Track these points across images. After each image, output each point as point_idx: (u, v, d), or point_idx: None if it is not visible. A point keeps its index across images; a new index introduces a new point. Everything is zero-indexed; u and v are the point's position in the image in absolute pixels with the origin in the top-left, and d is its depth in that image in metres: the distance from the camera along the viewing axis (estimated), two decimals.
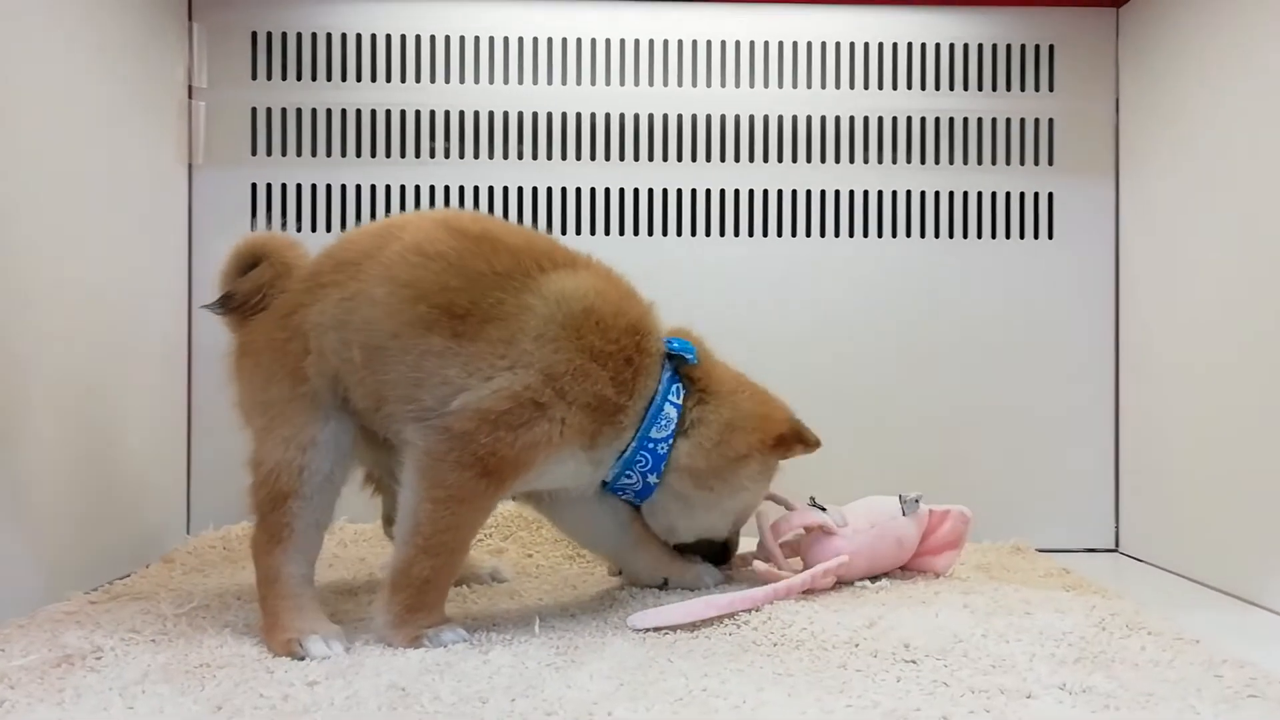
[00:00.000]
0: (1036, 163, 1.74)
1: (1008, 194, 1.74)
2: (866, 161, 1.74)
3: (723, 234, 1.73)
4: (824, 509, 1.30)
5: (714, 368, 1.25)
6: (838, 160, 1.74)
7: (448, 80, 1.71)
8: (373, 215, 1.70)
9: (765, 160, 1.73)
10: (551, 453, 1.09)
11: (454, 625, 1.09)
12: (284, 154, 1.69)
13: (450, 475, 1.05)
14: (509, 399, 1.05)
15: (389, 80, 1.70)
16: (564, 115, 1.72)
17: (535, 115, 1.71)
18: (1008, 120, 1.74)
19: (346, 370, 1.12)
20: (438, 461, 1.05)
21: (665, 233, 1.72)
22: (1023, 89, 1.74)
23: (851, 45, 1.74)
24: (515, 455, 1.06)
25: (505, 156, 1.71)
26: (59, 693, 0.90)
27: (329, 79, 1.70)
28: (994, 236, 1.74)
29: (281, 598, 1.08)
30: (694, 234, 1.72)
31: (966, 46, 1.74)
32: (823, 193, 1.73)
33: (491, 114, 1.71)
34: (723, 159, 1.73)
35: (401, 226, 1.15)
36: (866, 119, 1.74)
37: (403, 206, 1.70)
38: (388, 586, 1.08)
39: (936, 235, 1.74)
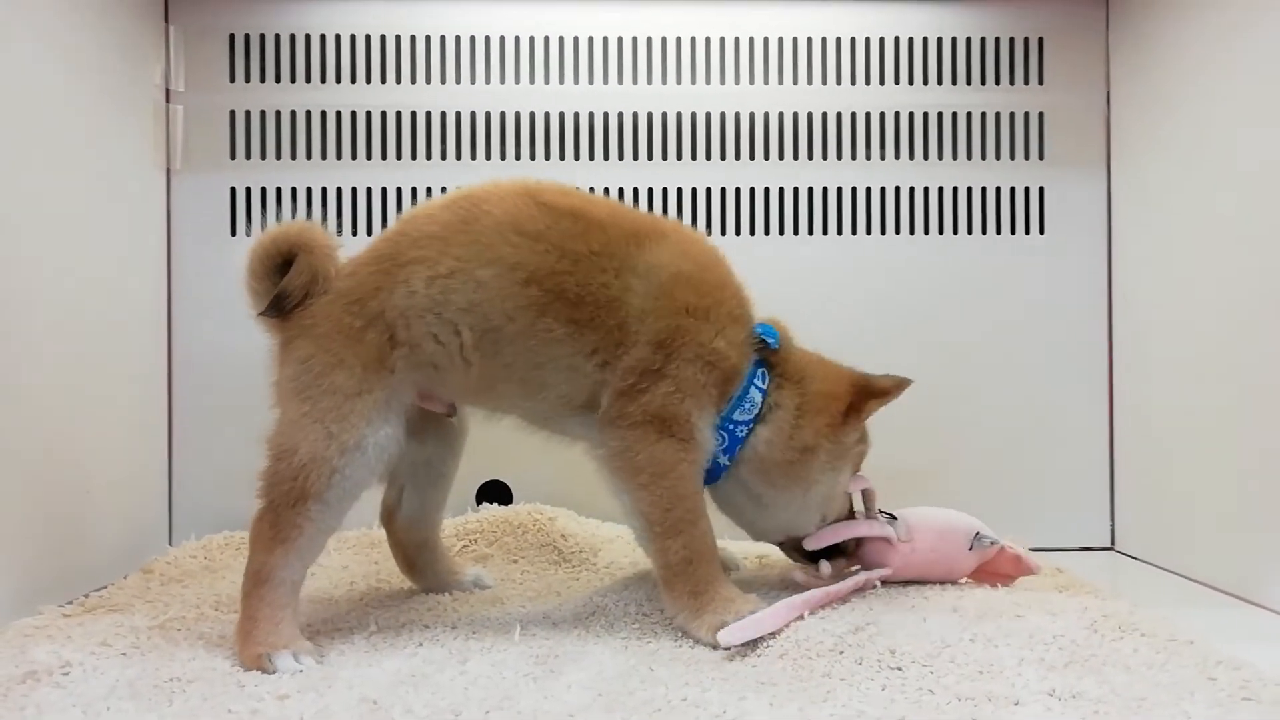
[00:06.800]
0: (1027, 157, 1.72)
1: (998, 189, 1.72)
2: (854, 158, 1.72)
3: (708, 232, 1.70)
4: (893, 516, 1.24)
5: (792, 354, 1.21)
6: (824, 157, 1.71)
7: (428, 80, 1.69)
8: (354, 218, 1.67)
9: (751, 158, 1.71)
10: (690, 404, 1.10)
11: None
12: (264, 157, 1.67)
13: (640, 457, 1.09)
14: (632, 373, 1.10)
15: (369, 81, 1.68)
16: (546, 115, 1.69)
17: (518, 115, 1.69)
18: (997, 114, 1.72)
19: (447, 357, 1.11)
20: (623, 453, 1.10)
21: None
22: (1012, 83, 1.72)
23: (839, 40, 1.71)
24: (663, 406, 1.09)
25: (488, 158, 1.69)
26: (20, 710, 0.88)
27: (308, 80, 1.68)
28: (984, 232, 1.72)
29: (266, 604, 1.05)
30: None
31: (955, 40, 1.72)
32: (810, 190, 1.71)
33: (473, 114, 1.69)
34: (708, 157, 1.71)
35: (483, 199, 1.13)
36: (854, 114, 1.72)
37: (384, 208, 1.68)
38: (663, 588, 1.11)
39: (926, 232, 1.72)
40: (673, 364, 1.10)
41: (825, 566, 1.21)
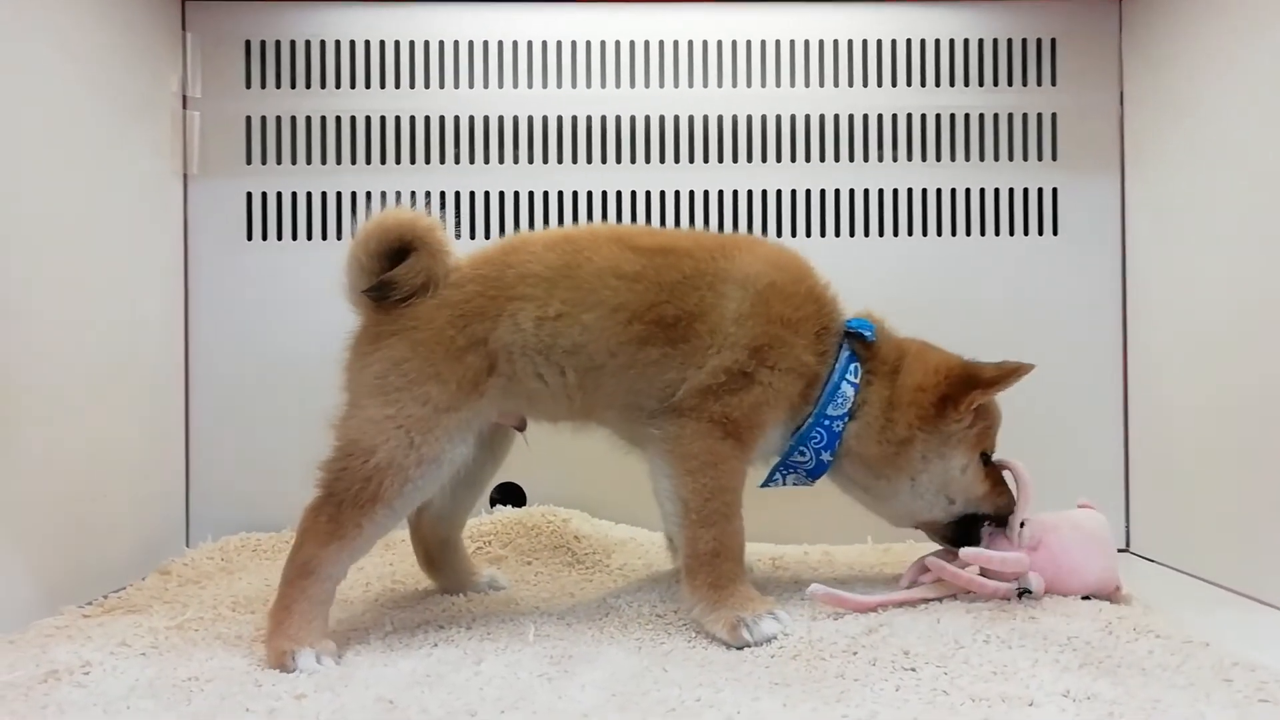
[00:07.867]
0: (1040, 158, 1.72)
1: (1011, 190, 1.72)
2: (868, 160, 1.72)
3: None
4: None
5: (883, 347, 1.23)
6: (838, 159, 1.72)
7: (442, 86, 1.70)
8: None
9: (764, 160, 1.71)
10: (771, 414, 1.15)
11: (775, 612, 1.08)
12: (279, 162, 1.69)
13: (695, 445, 1.12)
14: (722, 372, 1.13)
15: (383, 87, 1.69)
16: (559, 119, 1.70)
17: (530, 119, 1.70)
18: (1010, 116, 1.72)
19: (549, 395, 1.15)
20: (679, 439, 1.12)
21: None
22: (1025, 84, 1.72)
23: (851, 43, 1.72)
24: (745, 414, 1.13)
25: (501, 161, 1.70)
26: (42, 710, 0.89)
27: (323, 86, 1.69)
28: (998, 233, 1.72)
29: (306, 597, 1.05)
30: None
31: (968, 42, 1.72)
32: (822, 192, 1.71)
33: (486, 119, 1.70)
34: (720, 160, 1.71)
35: (583, 245, 1.17)
36: (867, 116, 1.72)
37: None
38: (684, 577, 1.11)
39: (940, 233, 1.72)
40: (764, 372, 1.13)
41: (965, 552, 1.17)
